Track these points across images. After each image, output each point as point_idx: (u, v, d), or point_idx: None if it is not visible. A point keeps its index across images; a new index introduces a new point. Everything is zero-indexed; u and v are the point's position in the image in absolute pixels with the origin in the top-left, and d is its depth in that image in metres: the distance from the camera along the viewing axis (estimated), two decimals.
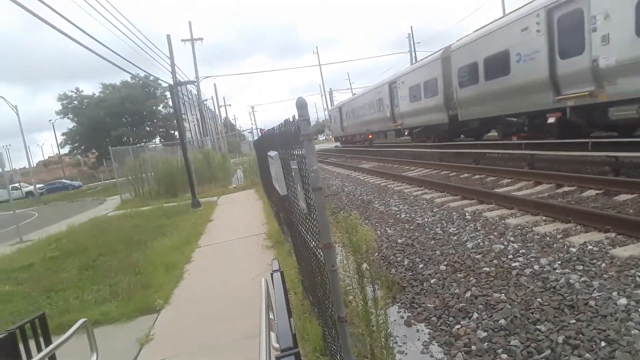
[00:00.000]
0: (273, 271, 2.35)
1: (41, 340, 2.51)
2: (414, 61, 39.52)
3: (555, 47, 10.89)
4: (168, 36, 17.24)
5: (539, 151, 11.03)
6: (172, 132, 49.49)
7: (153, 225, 11.02)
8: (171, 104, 41.90)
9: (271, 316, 2.02)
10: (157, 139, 49.53)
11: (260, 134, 16.28)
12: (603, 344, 2.90)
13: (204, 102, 41.50)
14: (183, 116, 29.26)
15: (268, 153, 5.04)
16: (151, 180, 20.57)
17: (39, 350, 2.42)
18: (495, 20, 14.14)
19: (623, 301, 3.36)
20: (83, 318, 2.76)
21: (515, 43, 12.19)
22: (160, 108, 50.09)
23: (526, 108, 12.46)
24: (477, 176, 10.80)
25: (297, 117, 2.42)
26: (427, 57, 19.76)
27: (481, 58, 13.98)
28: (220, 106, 57.85)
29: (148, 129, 49.65)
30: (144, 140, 44.54)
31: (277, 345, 1.87)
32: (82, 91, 48.03)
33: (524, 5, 12.18)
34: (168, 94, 42.13)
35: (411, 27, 64.31)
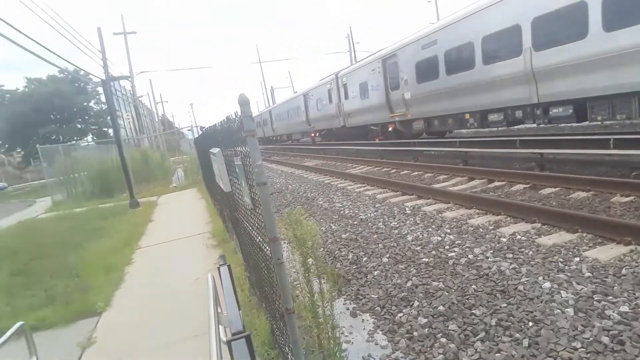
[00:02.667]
0: (220, 265, 2.35)
1: None
2: (354, 61, 40.21)
3: (388, 83, 17.15)
4: (99, 29, 16.35)
5: (472, 149, 11.65)
6: (106, 129, 47.18)
7: (89, 227, 10.46)
8: (104, 100, 39.96)
9: (219, 310, 2.03)
10: (90, 137, 47.03)
11: (200, 132, 15.93)
12: (531, 324, 3.16)
13: (139, 99, 39.88)
14: (117, 113, 27.99)
15: (210, 150, 4.98)
16: (85, 180, 19.49)
17: None
18: (361, 60, 21.57)
19: (547, 285, 3.67)
20: (19, 322, 2.61)
21: (370, 77, 18.71)
22: (92, 104, 47.59)
23: (378, 120, 18.92)
24: (416, 173, 11.24)
25: (239, 114, 2.43)
26: (322, 79, 25.76)
27: (355, 84, 20.29)
28: (157, 103, 55.85)
29: (79, 126, 47.00)
30: (75, 138, 42.11)
31: (224, 338, 1.89)
32: (3, 85, 44.58)
33: (373, 54, 19.02)
34: (100, 89, 40.16)
35: (350, 27, 65.47)
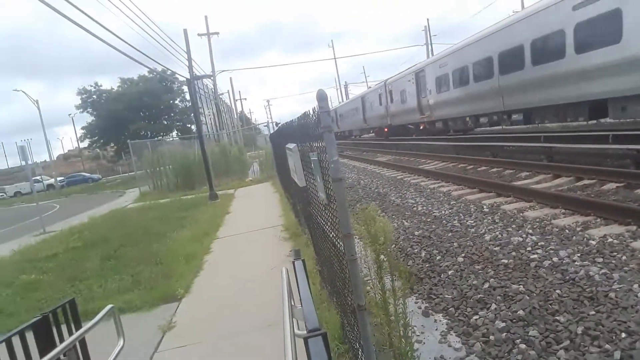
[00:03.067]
0: (294, 259, 2.41)
1: (72, 325, 2.61)
2: (430, 54, 39.23)
3: (419, 91, 21.49)
4: (185, 30, 17.33)
5: (557, 144, 10.88)
6: (189, 125, 49.90)
7: (172, 217, 11.21)
8: (188, 98, 42.35)
9: (293, 303, 2.07)
10: (174, 133, 50.03)
11: (275, 128, 16.37)
12: (623, 335, 2.90)
13: (220, 96, 41.78)
14: (200, 110, 29.53)
15: (286, 145, 5.10)
16: (169, 173, 20.86)
17: (70, 334, 2.52)
18: (402, 71, 25.00)
19: None
20: (109, 305, 2.86)
21: (407, 86, 23.20)
22: (177, 102, 50.57)
23: (412, 121, 23.42)
24: (494, 169, 10.71)
25: (317, 109, 2.46)
26: (376, 84, 32.13)
27: (397, 91, 24.95)
28: (236, 100, 58.12)
29: (165, 122, 50.13)
30: (162, 134, 45.07)
31: (299, 332, 1.93)
32: (101, 86, 48.67)
33: (408, 69, 24.02)
34: (185, 88, 42.55)
35: (427, 19, 63.79)
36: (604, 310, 3.23)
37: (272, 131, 20.94)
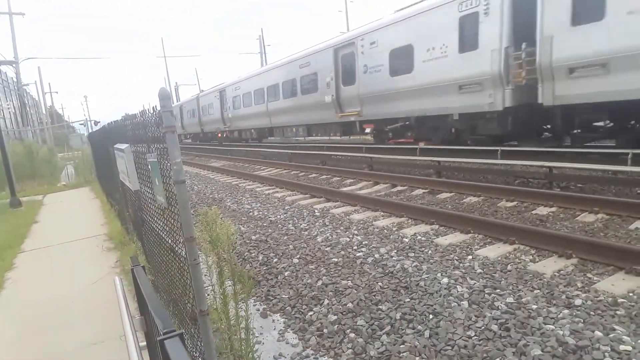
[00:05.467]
0: (133, 266, 2.24)
1: None
2: (264, 62, 40.31)
3: (222, 107, 26.56)
4: None
5: (376, 155, 12.27)
6: None
7: None
8: None
9: (132, 313, 1.93)
10: None
11: (95, 126, 14.78)
12: (431, 316, 3.44)
13: (25, 87, 35.91)
14: None
15: (115, 146, 4.67)
16: None
17: None
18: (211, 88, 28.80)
19: (445, 280, 4.02)
20: None
21: (214, 101, 28.22)
22: None
23: (216, 129, 28.59)
24: (324, 176, 11.54)
25: (158, 108, 2.34)
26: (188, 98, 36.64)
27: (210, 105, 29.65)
28: (45, 93, 50.62)
29: None
30: None
31: (143, 344, 1.80)
32: None
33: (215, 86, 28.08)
34: None
35: (262, 29, 65.69)
36: (416, 297, 3.78)
37: (90, 130, 18.87)
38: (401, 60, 12.04)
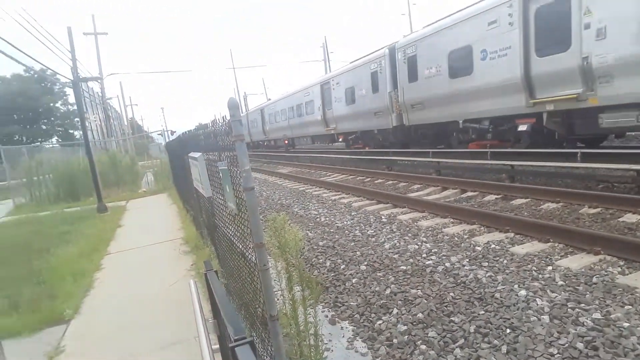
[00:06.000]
0: (207, 270, 2.31)
1: None
2: (328, 70, 40.65)
3: (324, 104, 22.72)
4: (69, 28, 15.87)
5: (444, 159, 11.90)
6: (72, 131, 45.82)
7: (55, 232, 10.08)
8: (72, 101, 38.85)
9: (206, 316, 1.99)
10: (54, 139, 45.49)
11: (172, 136, 15.65)
12: (508, 330, 3.23)
13: (108, 101, 38.90)
14: (85, 115, 27.23)
15: (189, 154, 4.90)
16: (49, 183, 18.81)
17: None
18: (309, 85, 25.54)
19: (523, 292, 3.77)
20: None
21: (316, 97, 24.55)
22: (58, 105, 46.15)
23: (317, 132, 24.76)
24: (390, 181, 11.37)
25: (228, 118, 2.41)
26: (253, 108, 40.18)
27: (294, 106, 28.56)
28: (127, 105, 54.56)
29: (44, 127, 45.47)
30: (40, 139, 40.70)
31: (216, 347, 1.85)
32: None
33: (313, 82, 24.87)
34: (67, 90, 39.02)
35: (325, 37, 66.56)
36: (491, 310, 3.58)
37: (167, 140, 20.01)
38: (349, 95, 18.87)
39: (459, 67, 11.75)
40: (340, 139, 21.56)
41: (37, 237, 9.50)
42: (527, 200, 7.27)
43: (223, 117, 2.76)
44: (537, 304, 3.54)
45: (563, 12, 8.65)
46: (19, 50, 12.36)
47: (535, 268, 4.34)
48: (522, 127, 10.32)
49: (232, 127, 2.28)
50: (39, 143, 32.32)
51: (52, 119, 46.28)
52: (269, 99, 38.59)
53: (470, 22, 11.14)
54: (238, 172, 2.38)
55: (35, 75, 39.48)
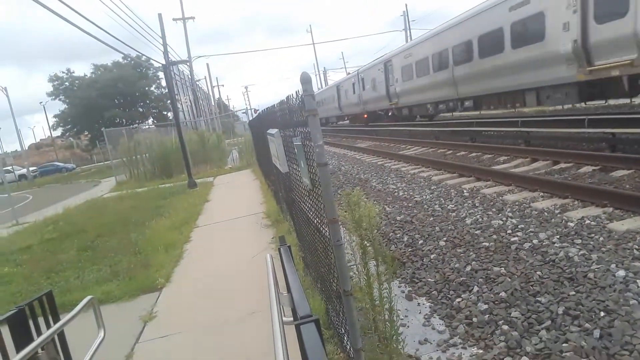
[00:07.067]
0: (280, 245, 2.36)
1: (49, 317, 2.53)
2: (409, 39, 39.24)
3: (387, 80, 23.01)
4: (159, 15, 16.86)
5: (535, 128, 11.06)
6: (165, 113, 49.03)
7: (150, 206, 11.01)
8: (164, 85, 41.48)
9: (279, 290, 2.04)
10: (150, 120, 49.06)
11: (255, 114, 16.19)
12: (602, 314, 2.96)
13: (197, 83, 41.03)
14: (176, 97, 28.96)
15: (267, 131, 5.02)
16: (146, 162, 20.46)
17: (48, 326, 2.44)
18: (369, 63, 27.53)
19: (621, 273, 3.41)
20: (89, 295, 2.77)
21: (377, 75, 24.63)
22: (152, 89, 49.52)
23: (383, 107, 25.63)
24: (473, 154, 10.82)
25: (301, 92, 2.40)
26: (348, 75, 34.64)
27: (369, 79, 26.34)
28: (214, 86, 57.23)
29: (140, 110, 49.14)
30: (137, 121, 44.16)
31: (286, 319, 1.89)
32: (74, 72, 47.25)
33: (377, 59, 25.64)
34: (160, 74, 41.61)
35: (406, 5, 63.98)
36: (583, 291, 3.30)
37: (251, 118, 20.73)
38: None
39: None
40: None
41: (135, 211, 10.43)
42: (630, 171, 6.52)
43: (296, 92, 2.77)
44: (638, 286, 3.20)
45: None
46: (117, 39, 13.37)
47: (637, 246, 3.89)
48: None
49: (305, 102, 2.28)
50: (136, 125, 35.06)
51: (147, 101, 49.80)
52: (348, 73, 38.21)
53: None
54: (312, 147, 2.38)
55: (132, 62, 42.60)
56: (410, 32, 42.63)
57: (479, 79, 14.53)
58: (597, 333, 2.79)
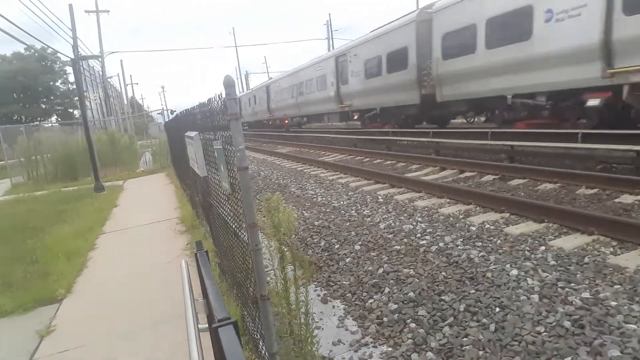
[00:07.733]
0: (197, 250, 2.33)
1: None
2: (331, 47, 40.23)
3: (339, 79, 21.15)
4: (70, 6, 15.69)
5: (444, 139, 11.87)
6: (71, 110, 45.54)
7: (51, 211, 10.11)
8: (72, 80, 38.52)
9: (196, 297, 2.01)
10: (54, 118, 45.27)
11: (171, 116, 15.61)
12: (497, 309, 3.28)
13: (109, 80, 38.59)
14: (85, 94, 27.00)
15: (186, 134, 4.89)
16: (47, 163, 18.79)
17: None
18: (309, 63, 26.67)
19: (514, 272, 3.81)
20: None
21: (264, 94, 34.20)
22: (58, 84, 45.77)
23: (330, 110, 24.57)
24: (389, 162, 11.37)
25: (223, 96, 2.39)
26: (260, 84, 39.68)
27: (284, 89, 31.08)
28: (127, 84, 54.17)
29: (43, 106, 45.15)
30: (39, 118, 40.50)
31: (203, 326, 1.87)
32: None
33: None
34: (68, 69, 38.65)
35: (329, 14, 65.70)
36: (482, 289, 3.62)
37: (167, 119, 19.93)
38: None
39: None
40: (355, 117, 20.13)
41: (33, 216, 9.53)
42: (525, 180, 7.28)
43: (219, 95, 2.75)
44: (528, 284, 3.59)
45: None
46: (20, 28, 12.19)
47: (528, 248, 4.37)
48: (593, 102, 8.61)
49: (227, 106, 2.27)
50: (37, 122, 32.13)
51: (52, 98, 45.89)
52: (270, 78, 38.16)
53: None
54: (233, 151, 2.37)
55: (36, 54, 39.07)
56: (332, 42, 43.70)
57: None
58: (492, 327, 3.08)
